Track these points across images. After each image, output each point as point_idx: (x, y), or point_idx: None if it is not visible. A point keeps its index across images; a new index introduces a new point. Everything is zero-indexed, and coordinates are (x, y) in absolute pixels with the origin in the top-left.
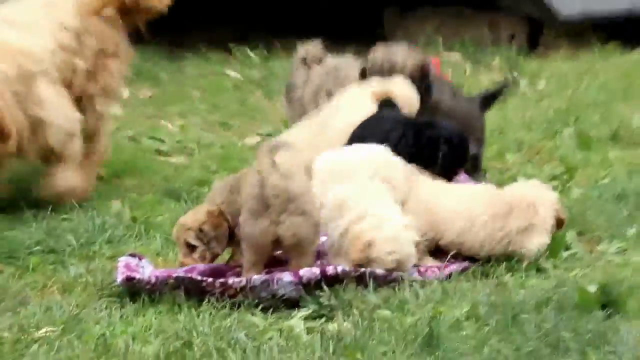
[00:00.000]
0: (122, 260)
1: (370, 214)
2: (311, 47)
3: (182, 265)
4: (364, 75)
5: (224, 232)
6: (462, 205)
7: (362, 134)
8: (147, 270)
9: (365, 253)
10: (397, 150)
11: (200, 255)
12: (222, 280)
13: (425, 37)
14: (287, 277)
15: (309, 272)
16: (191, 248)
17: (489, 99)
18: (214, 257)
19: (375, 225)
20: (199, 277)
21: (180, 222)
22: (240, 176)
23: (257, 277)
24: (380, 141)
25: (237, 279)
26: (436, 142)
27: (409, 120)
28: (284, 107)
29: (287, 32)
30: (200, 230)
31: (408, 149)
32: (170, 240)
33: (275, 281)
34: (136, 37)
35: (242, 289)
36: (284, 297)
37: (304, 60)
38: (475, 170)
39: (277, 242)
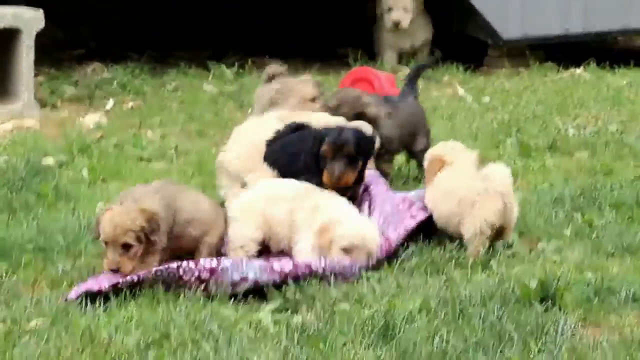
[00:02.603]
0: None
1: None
2: (274, 66)
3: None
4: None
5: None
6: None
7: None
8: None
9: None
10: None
11: (134, 254)
12: (194, 261)
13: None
14: (257, 261)
15: (282, 261)
16: (127, 248)
17: (418, 72)
18: (148, 253)
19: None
20: (176, 264)
21: (116, 224)
22: (173, 194)
23: (227, 260)
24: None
25: (208, 259)
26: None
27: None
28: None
29: (258, 52)
30: (142, 229)
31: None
32: None
33: (244, 263)
34: (123, 55)
35: (214, 271)
36: (255, 281)
37: (268, 78)
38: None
39: None
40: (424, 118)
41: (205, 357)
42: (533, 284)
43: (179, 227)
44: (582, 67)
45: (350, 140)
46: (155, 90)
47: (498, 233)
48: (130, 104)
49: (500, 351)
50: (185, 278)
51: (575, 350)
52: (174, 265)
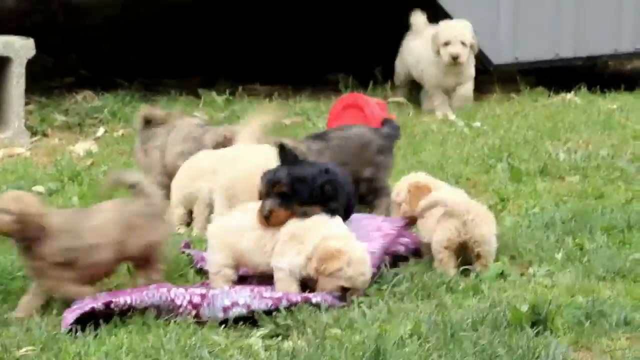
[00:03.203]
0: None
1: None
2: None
3: None
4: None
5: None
6: None
7: None
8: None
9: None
10: None
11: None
12: (183, 287)
13: (374, 80)
14: (246, 289)
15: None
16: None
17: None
18: None
19: (348, 244)
20: (166, 289)
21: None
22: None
23: (215, 290)
24: None
25: (197, 288)
26: None
27: None
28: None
29: (249, 79)
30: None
31: None
32: None
33: (233, 291)
34: (113, 83)
35: (204, 296)
36: (247, 305)
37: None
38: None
39: None
40: (369, 148)
41: None
42: (524, 308)
43: (82, 253)
44: (572, 92)
45: (282, 179)
46: None
47: (466, 248)
48: (121, 131)
49: None
50: (178, 302)
51: None
52: (164, 289)
